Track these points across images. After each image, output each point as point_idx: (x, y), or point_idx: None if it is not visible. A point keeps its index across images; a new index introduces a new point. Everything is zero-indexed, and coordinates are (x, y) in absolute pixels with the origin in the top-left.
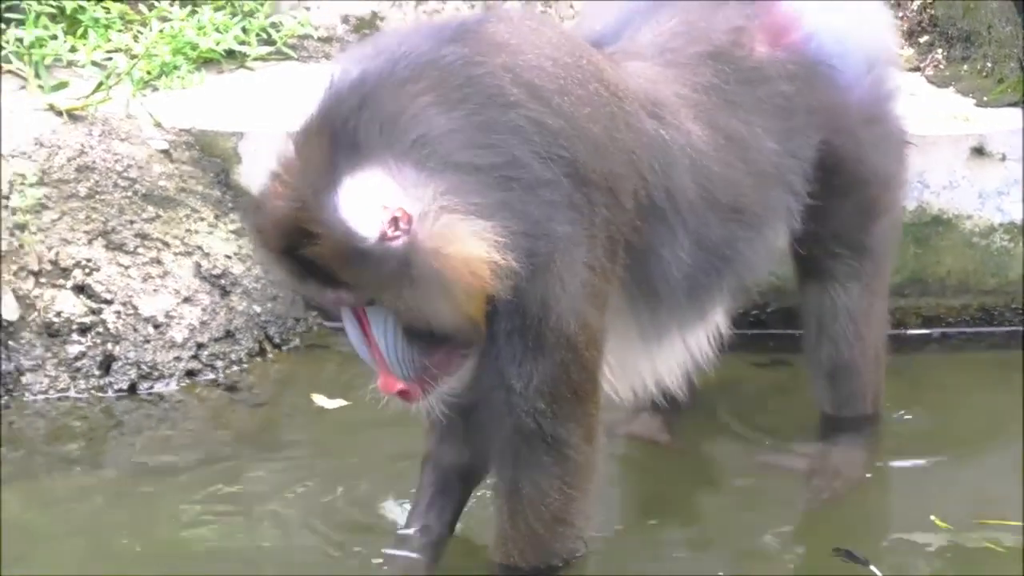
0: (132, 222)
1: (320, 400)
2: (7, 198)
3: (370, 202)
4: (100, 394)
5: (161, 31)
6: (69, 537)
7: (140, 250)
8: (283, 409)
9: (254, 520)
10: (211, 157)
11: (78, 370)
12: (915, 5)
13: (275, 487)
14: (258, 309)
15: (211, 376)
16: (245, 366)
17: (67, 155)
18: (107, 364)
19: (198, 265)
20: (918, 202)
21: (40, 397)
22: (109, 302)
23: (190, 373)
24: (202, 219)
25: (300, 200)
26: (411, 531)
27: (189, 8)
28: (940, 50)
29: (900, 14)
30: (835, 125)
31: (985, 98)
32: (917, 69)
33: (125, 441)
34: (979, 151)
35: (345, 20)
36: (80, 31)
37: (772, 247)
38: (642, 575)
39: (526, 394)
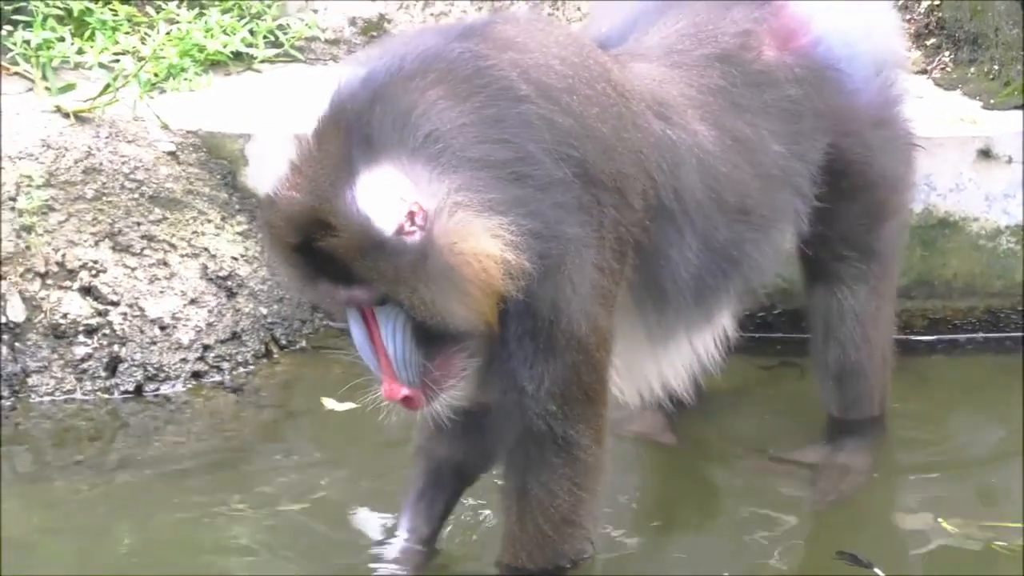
0: (139, 224)
1: (329, 403)
2: (14, 200)
3: (387, 196)
4: (106, 395)
5: (168, 33)
6: (74, 538)
7: (147, 252)
8: (289, 411)
9: (260, 521)
10: (218, 159)
11: (84, 371)
12: (922, 8)
13: (281, 488)
14: (264, 311)
15: (217, 378)
16: (251, 368)
17: (74, 157)
18: (113, 366)
19: (204, 267)
20: (925, 204)
21: (46, 399)
22: (115, 304)
23: (196, 375)
24: (209, 221)
25: (318, 193)
26: (399, 537)
27: (196, 10)
28: (947, 53)
29: (907, 17)
30: (843, 128)
31: (992, 100)
32: (924, 72)
33: (131, 443)
34: (986, 153)
35: (352, 22)
36: (87, 33)
37: (779, 249)
38: (647, 574)
39: (537, 396)
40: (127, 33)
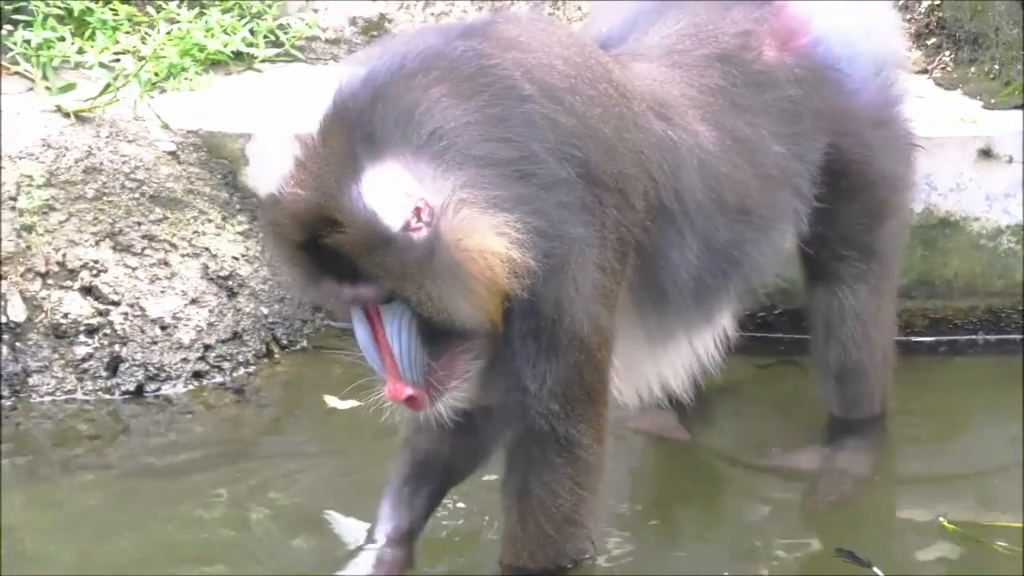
0: (139, 224)
1: (332, 401)
2: (14, 199)
3: (393, 192)
4: (107, 396)
5: (169, 33)
6: (74, 539)
7: (147, 251)
8: (290, 410)
9: (261, 521)
10: (218, 159)
11: (85, 371)
12: (923, 7)
13: (283, 488)
14: (265, 311)
15: (218, 378)
16: (252, 368)
17: (74, 157)
18: (114, 365)
19: (205, 267)
20: (925, 204)
21: (47, 398)
22: (116, 303)
23: (197, 375)
24: (209, 221)
25: (323, 190)
26: (377, 532)
27: (197, 10)
28: (947, 52)
29: (908, 16)
30: (842, 128)
31: (992, 100)
32: (925, 71)
33: (132, 443)
34: (986, 153)
35: (353, 22)
36: (88, 33)
37: (779, 250)
38: (646, 575)
39: (540, 395)
40: (127, 33)
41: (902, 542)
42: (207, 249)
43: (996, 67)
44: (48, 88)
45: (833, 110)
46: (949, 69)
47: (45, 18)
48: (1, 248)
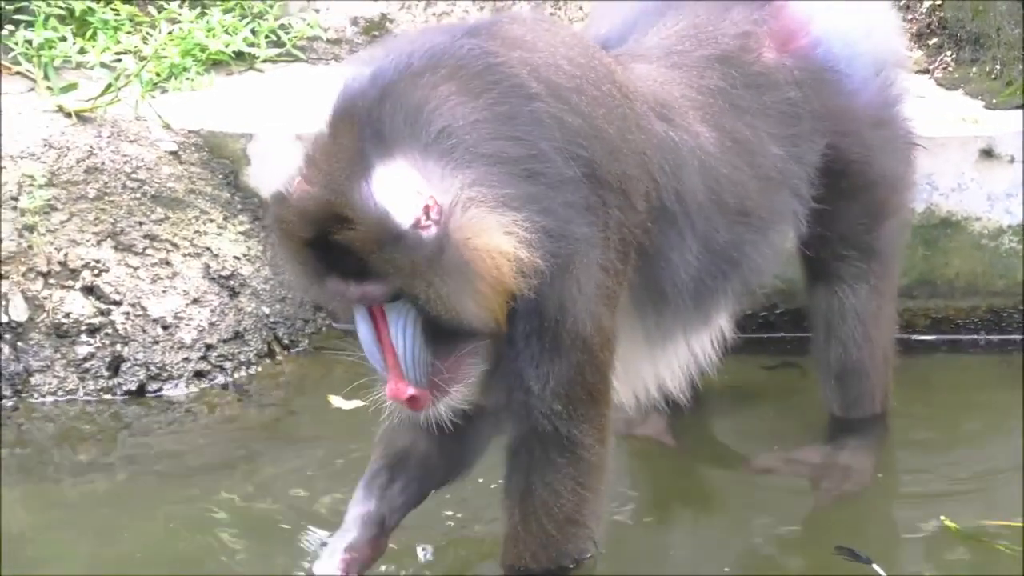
0: (141, 223)
1: (336, 401)
2: (16, 199)
3: (403, 189)
4: (108, 395)
5: (170, 33)
6: (76, 538)
7: (149, 251)
8: (292, 410)
9: (263, 521)
10: (220, 159)
11: (87, 371)
12: (924, 7)
13: (284, 488)
14: (267, 310)
15: (220, 377)
16: (254, 367)
17: (76, 156)
18: (116, 365)
19: (207, 266)
20: (927, 204)
21: (49, 398)
22: (118, 303)
23: (199, 374)
24: (211, 220)
25: (333, 187)
26: (346, 524)
27: (198, 10)
28: (949, 52)
29: (909, 16)
30: (842, 129)
31: (994, 100)
32: (926, 71)
33: (133, 442)
34: (988, 153)
35: (354, 22)
36: (89, 33)
37: (778, 251)
38: (647, 575)
39: (543, 396)
40: (129, 33)
41: (903, 541)
42: (208, 249)
43: (998, 67)
44: (50, 88)
45: (832, 111)
46: (951, 69)
47: (46, 18)
48: (3, 248)
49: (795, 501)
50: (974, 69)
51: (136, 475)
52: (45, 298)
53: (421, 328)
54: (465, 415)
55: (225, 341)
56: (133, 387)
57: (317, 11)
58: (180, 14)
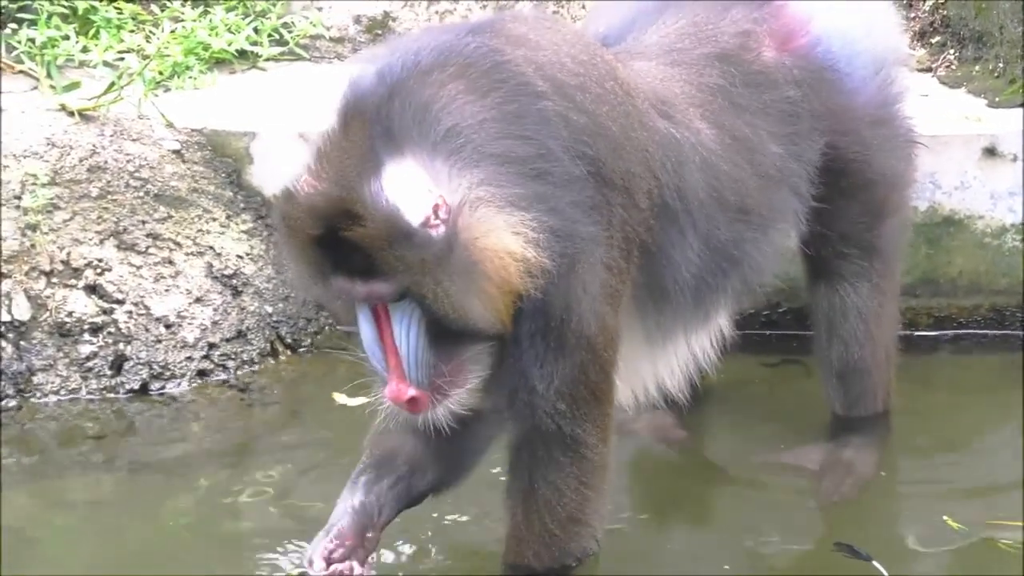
0: (144, 222)
1: (341, 398)
2: (19, 198)
3: (414, 187)
4: (111, 394)
5: (173, 31)
6: (79, 537)
7: (152, 250)
8: (294, 409)
9: (266, 519)
10: (223, 157)
11: (89, 370)
12: (927, 6)
13: (286, 487)
14: (270, 309)
15: (222, 376)
16: (257, 366)
17: (79, 155)
18: (118, 364)
19: (210, 265)
20: (930, 202)
21: (51, 397)
22: (121, 302)
23: (201, 373)
24: (214, 219)
25: (343, 184)
26: (333, 517)
27: (201, 8)
28: (952, 51)
29: (912, 15)
30: (841, 128)
31: (997, 99)
32: (929, 70)
33: (136, 441)
34: (991, 152)
35: (357, 20)
36: (92, 31)
37: (778, 249)
38: (647, 574)
39: (547, 395)
40: (132, 31)
41: (904, 539)
42: (211, 248)
43: (1000, 65)
44: (52, 87)
45: (832, 109)
46: (953, 67)
47: (49, 16)
48: (5, 247)
49: (796, 499)
50: (977, 67)
51: (139, 474)
52: (48, 297)
53: (425, 329)
54: (462, 419)
55: (228, 340)
56: (136, 386)
57: (320, 9)
58: (183, 12)
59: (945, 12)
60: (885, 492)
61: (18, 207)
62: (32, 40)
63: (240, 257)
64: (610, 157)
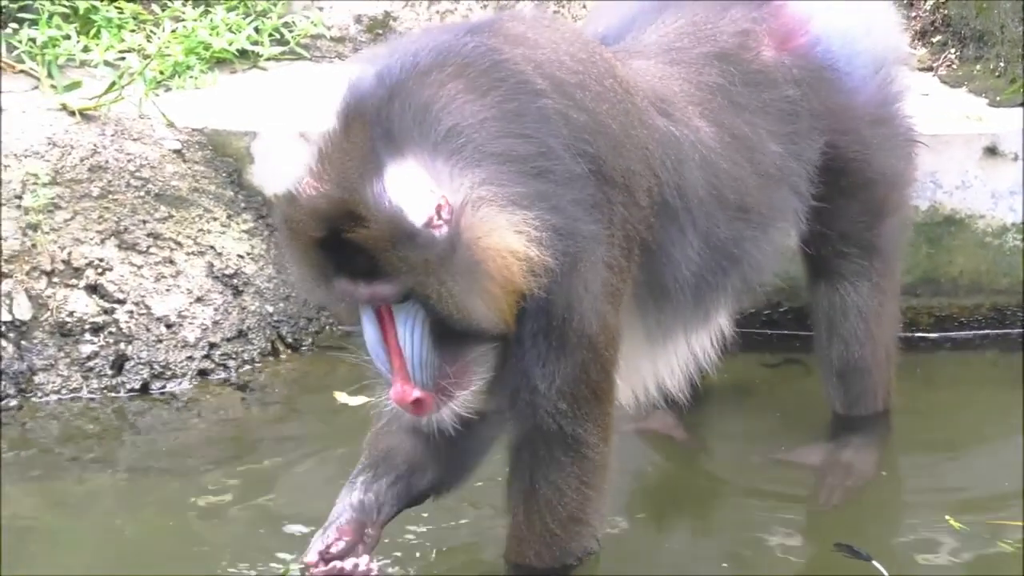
0: (145, 222)
1: (343, 398)
2: (20, 198)
3: (416, 188)
4: (112, 394)
5: (174, 31)
6: (80, 537)
7: (153, 250)
8: (295, 408)
9: (266, 519)
10: (224, 157)
11: (90, 370)
12: (928, 5)
13: (288, 486)
14: (271, 309)
15: (223, 376)
16: (258, 366)
17: (80, 155)
18: (119, 364)
19: (210, 265)
20: (931, 202)
21: (52, 397)
22: (122, 302)
23: (202, 373)
24: (215, 219)
25: (346, 185)
26: (331, 515)
27: (202, 8)
28: (953, 50)
29: (913, 14)
30: (841, 127)
31: (998, 98)
32: (930, 69)
33: (137, 441)
34: (992, 151)
35: (358, 20)
36: (93, 31)
37: (778, 248)
38: (648, 574)
39: (548, 395)
40: (133, 31)
41: (904, 538)
42: (212, 247)
43: (1001, 64)
44: (53, 86)
45: (831, 109)
46: (954, 67)
47: (50, 16)
48: (6, 246)
49: (798, 499)
50: (978, 67)
51: (139, 473)
52: (49, 297)
53: (429, 330)
54: (464, 420)
55: (229, 340)
56: (137, 386)
57: (321, 9)
58: (184, 12)
59: (946, 11)
60: (885, 492)
61: (19, 207)
62: (33, 40)
63: (241, 257)
64: (610, 155)
